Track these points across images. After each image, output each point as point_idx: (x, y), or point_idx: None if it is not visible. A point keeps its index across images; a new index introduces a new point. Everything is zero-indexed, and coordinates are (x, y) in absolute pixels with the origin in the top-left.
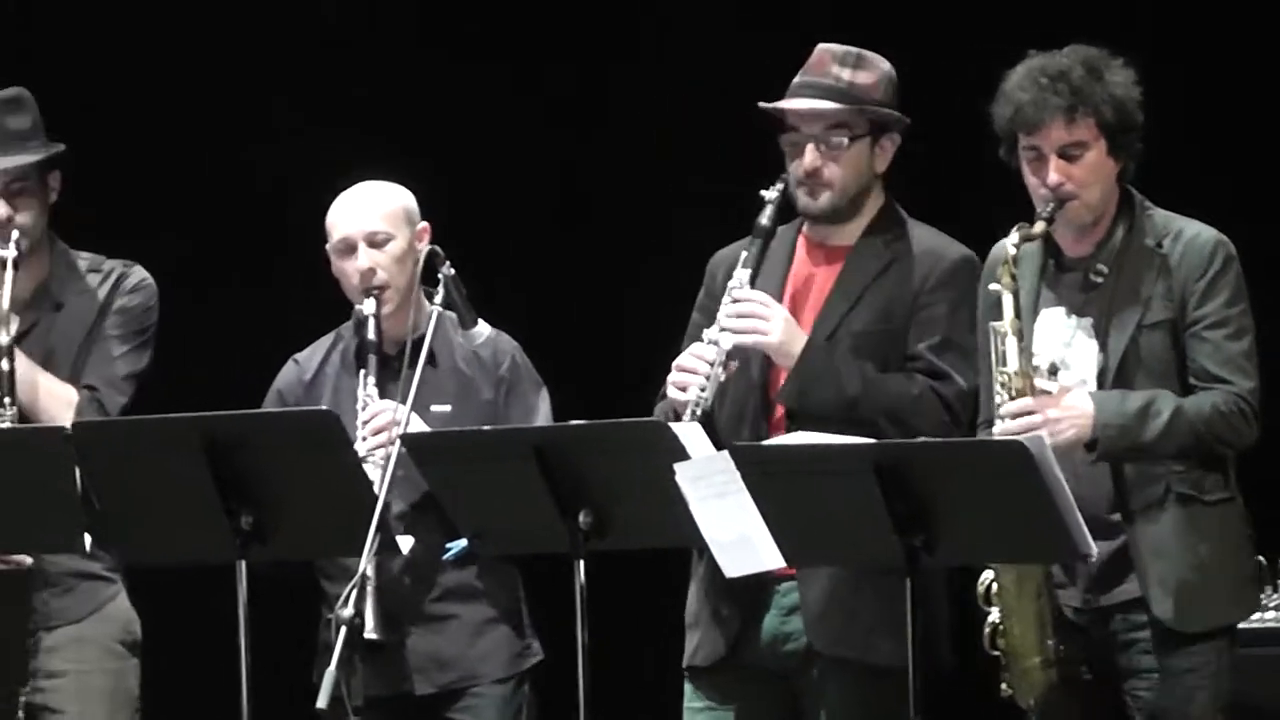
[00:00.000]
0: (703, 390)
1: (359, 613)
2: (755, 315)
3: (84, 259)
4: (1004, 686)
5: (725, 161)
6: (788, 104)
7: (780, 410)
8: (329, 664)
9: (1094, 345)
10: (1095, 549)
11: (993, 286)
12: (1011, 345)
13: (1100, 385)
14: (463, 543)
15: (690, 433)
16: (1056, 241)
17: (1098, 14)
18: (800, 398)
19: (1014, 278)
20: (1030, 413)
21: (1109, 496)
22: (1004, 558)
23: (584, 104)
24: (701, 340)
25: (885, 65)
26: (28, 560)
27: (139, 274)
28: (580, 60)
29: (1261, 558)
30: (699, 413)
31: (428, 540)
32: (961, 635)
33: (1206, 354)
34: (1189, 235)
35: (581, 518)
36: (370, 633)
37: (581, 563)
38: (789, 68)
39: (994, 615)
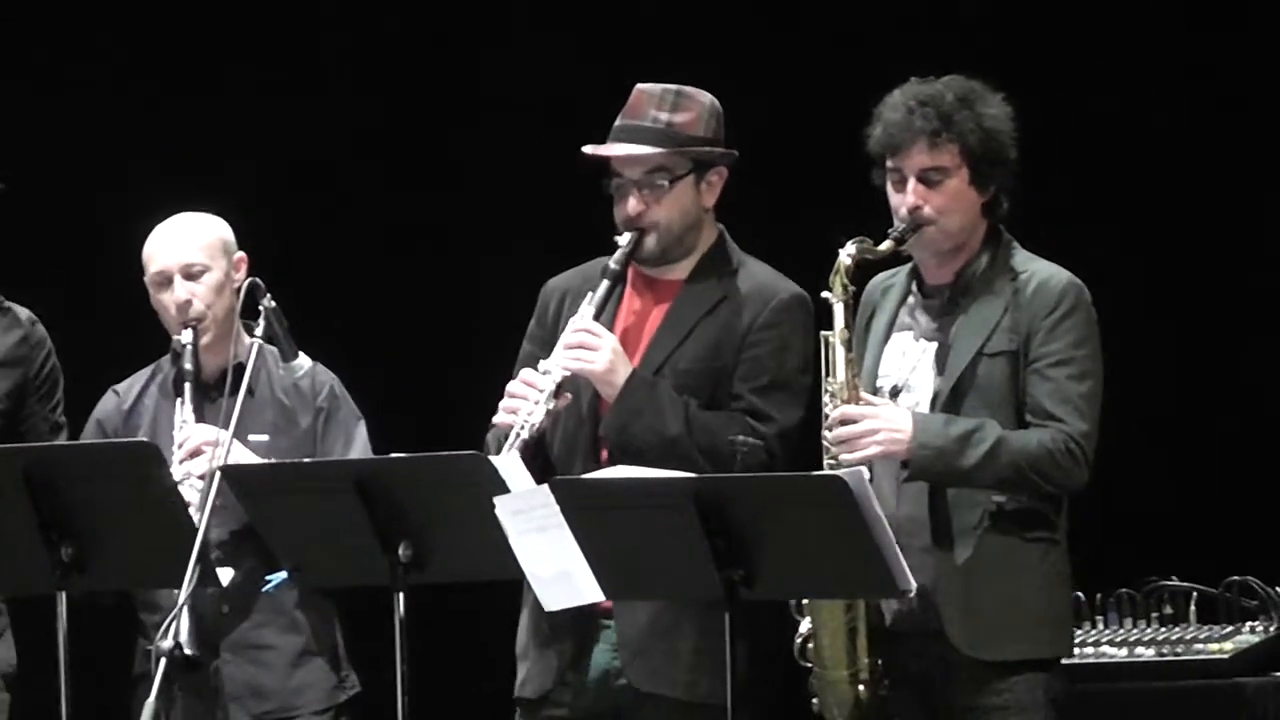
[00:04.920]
0: (530, 416)
1: (179, 644)
2: (584, 345)
3: None
4: (814, 701)
5: (559, 195)
6: (607, 150)
7: (606, 445)
8: (148, 694)
9: (933, 370)
10: (915, 584)
11: (824, 295)
12: (840, 355)
13: (933, 408)
14: (282, 574)
15: (510, 466)
16: (919, 269)
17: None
18: (620, 431)
19: (845, 288)
20: (852, 421)
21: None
22: (823, 592)
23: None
24: (535, 369)
25: (706, 99)
26: None
27: (41, 328)
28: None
29: (1080, 594)
30: (524, 438)
31: (246, 569)
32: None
33: (1046, 391)
34: (1044, 274)
35: (401, 550)
36: (186, 648)
37: (401, 595)
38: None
39: (804, 626)
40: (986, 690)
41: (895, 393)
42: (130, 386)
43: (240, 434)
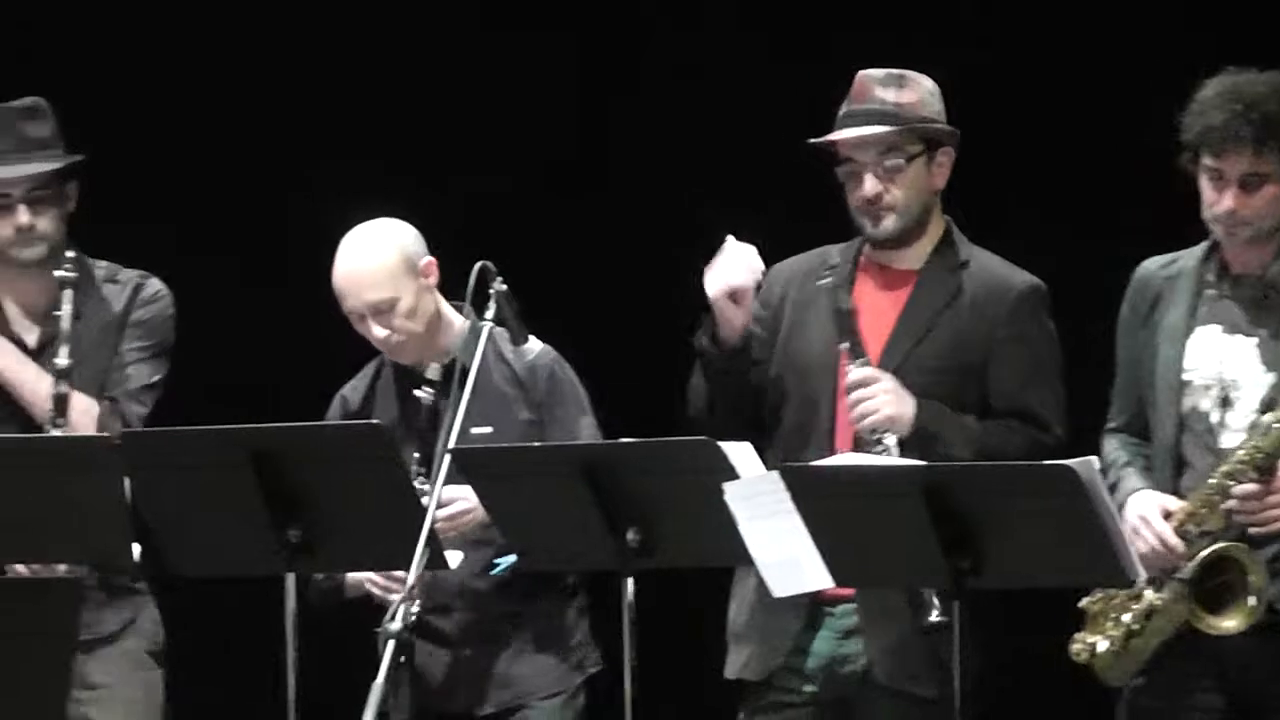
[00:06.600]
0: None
1: (407, 627)
2: (861, 399)
3: (101, 268)
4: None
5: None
6: (839, 135)
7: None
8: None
9: (1260, 365)
10: (1143, 573)
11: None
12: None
13: (1269, 406)
14: (512, 558)
15: (740, 452)
16: (1224, 257)
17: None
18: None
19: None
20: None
21: None
22: (1050, 580)
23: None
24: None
25: (927, 81)
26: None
27: (155, 285)
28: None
29: None
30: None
31: (475, 560)
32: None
33: None
34: None
35: (630, 535)
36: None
37: (630, 580)
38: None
39: (1089, 637)
40: None
41: (1225, 401)
42: (355, 388)
43: (462, 428)
